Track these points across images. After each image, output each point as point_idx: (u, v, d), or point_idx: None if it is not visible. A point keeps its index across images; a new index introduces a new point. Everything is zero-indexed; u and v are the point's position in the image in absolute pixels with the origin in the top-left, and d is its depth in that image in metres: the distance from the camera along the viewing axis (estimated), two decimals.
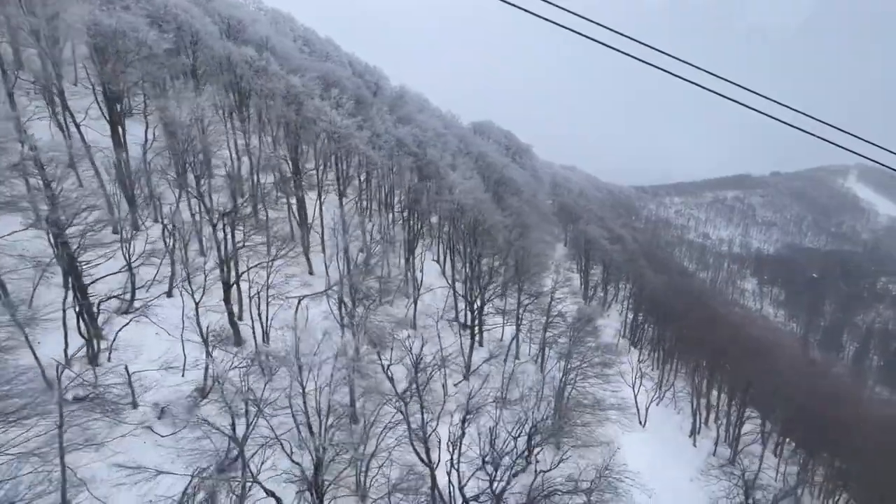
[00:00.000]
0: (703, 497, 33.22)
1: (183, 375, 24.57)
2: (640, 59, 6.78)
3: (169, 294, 29.39)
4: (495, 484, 18.46)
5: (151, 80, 41.58)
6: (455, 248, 45.63)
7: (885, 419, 68.23)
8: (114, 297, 21.86)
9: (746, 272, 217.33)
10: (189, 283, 23.47)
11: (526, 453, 18.72)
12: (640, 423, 45.21)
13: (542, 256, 54.82)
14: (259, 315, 30.72)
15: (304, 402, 16.43)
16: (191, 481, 15.61)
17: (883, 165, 7.81)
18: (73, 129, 31.98)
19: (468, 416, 19.31)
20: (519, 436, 19.13)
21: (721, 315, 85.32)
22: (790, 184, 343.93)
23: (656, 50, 6.79)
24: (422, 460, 19.78)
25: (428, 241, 54.42)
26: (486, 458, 18.54)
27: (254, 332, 28.00)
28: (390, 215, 48.77)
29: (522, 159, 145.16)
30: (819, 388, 62.31)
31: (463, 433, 19.07)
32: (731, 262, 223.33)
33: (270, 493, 15.04)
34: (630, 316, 73.73)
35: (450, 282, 42.06)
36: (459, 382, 38.74)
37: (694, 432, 46.82)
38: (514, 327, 45.22)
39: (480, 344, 46.08)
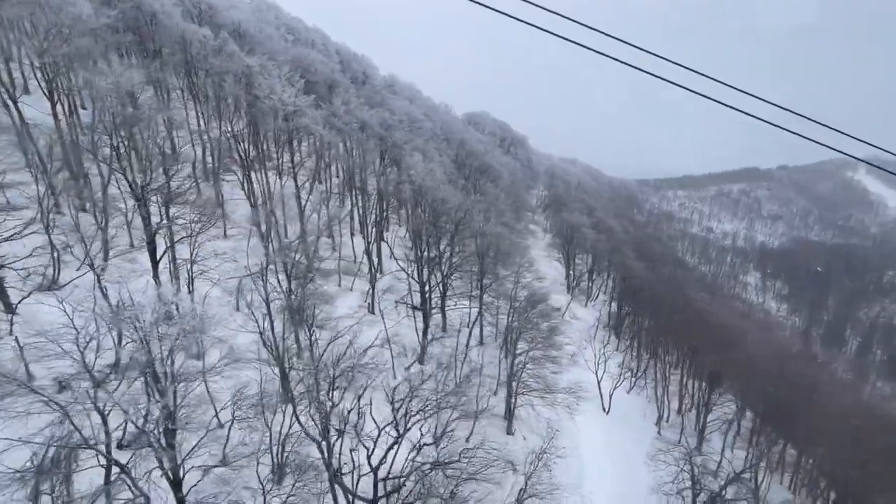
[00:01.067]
0: (651, 482, 32.21)
1: (98, 350, 24.10)
2: (626, 64, 6.70)
3: (102, 270, 28.97)
4: (372, 457, 17.74)
5: (103, 57, 41.11)
6: (417, 230, 44.74)
7: (869, 409, 66.61)
8: (5, 265, 21.26)
9: (749, 266, 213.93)
10: (88, 255, 22.88)
11: (396, 425, 17.90)
12: (604, 409, 44.21)
13: (511, 241, 53.68)
14: (189, 291, 30.36)
15: (154, 367, 15.79)
16: (46, 450, 15.03)
17: (880, 168, 8.34)
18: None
19: (336, 386, 18.54)
20: (398, 409, 18.31)
21: (704, 306, 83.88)
22: (797, 177, 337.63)
23: (646, 51, 6.72)
24: (307, 434, 19.05)
25: (388, 223, 53.63)
26: (351, 429, 17.79)
27: (177, 308, 27.38)
28: (350, 196, 47.97)
29: (517, 150, 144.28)
30: (802, 380, 60.69)
31: (333, 404, 18.34)
32: (734, 256, 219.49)
33: (116, 462, 14.41)
34: (614, 306, 72.59)
35: (401, 263, 41.14)
36: (411, 365, 38.05)
37: (660, 420, 45.69)
38: (476, 311, 44.34)
39: (444, 329, 45.30)
